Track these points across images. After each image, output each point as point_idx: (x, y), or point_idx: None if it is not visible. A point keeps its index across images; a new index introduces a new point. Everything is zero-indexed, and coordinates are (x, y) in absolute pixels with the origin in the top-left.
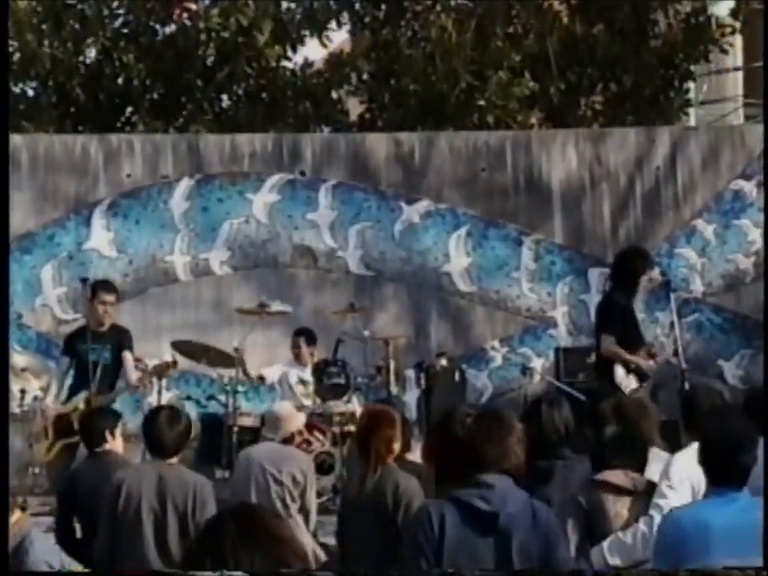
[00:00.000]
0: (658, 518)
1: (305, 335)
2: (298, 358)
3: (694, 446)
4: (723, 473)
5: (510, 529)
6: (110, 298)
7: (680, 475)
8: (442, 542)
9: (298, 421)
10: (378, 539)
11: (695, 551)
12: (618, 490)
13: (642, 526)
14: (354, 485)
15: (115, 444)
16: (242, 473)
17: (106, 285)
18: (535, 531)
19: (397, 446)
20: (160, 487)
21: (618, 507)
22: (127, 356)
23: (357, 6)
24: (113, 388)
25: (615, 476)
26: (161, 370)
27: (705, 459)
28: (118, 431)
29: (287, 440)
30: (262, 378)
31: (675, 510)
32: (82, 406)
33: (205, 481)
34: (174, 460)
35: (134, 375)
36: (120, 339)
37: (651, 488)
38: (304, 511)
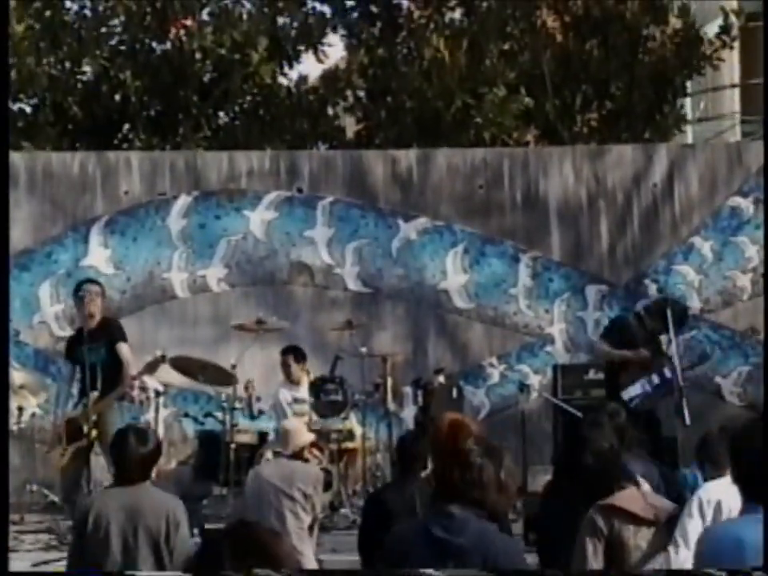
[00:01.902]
0: (682, 552)
1: (292, 353)
2: (289, 377)
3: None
4: (757, 488)
5: (461, 558)
6: (93, 287)
7: (709, 506)
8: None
9: (307, 436)
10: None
11: (730, 567)
12: (637, 520)
13: (661, 560)
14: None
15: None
16: (253, 491)
17: (87, 279)
18: (485, 565)
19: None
20: (131, 513)
21: (638, 539)
22: (122, 348)
23: (352, 22)
24: (117, 384)
25: (634, 502)
26: (152, 366)
27: (738, 475)
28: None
29: (297, 455)
30: (261, 412)
31: (711, 527)
32: (90, 408)
33: (177, 503)
34: (146, 482)
35: (131, 368)
36: (111, 333)
37: (673, 516)
38: (313, 524)
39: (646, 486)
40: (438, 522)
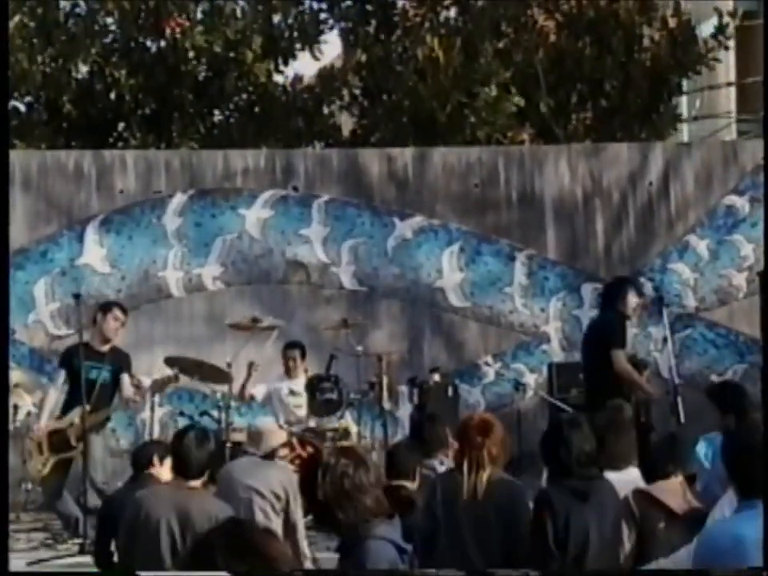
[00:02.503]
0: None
1: (299, 348)
2: (289, 371)
3: None
4: (754, 485)
5: None
6: (122, 316)
7: None
8: None
9: (280, 436)
10: (497, 540)
11: (731, 566)
12: (672, 514)
13: (683, 553)
14: (459, 490)
15: (160, 471)
16: (224, 488)
17: (120, 305)
18: None
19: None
20: (181, 515)
21: (669, 531)
22: (125, 379)
23: (347, 21)
24: (105, 406)
25: (672, 495)
26: (162, 385)
27: (735, 473)
28: (167, 462)
29: (269, 456)
30: (252, 398)
31: (709, 526)
32: (77, 421)
33: (223, 507)
34: (197, 483)
35: (128, 396)
36: (120, 362)
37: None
38: (290, 525)
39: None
40: None
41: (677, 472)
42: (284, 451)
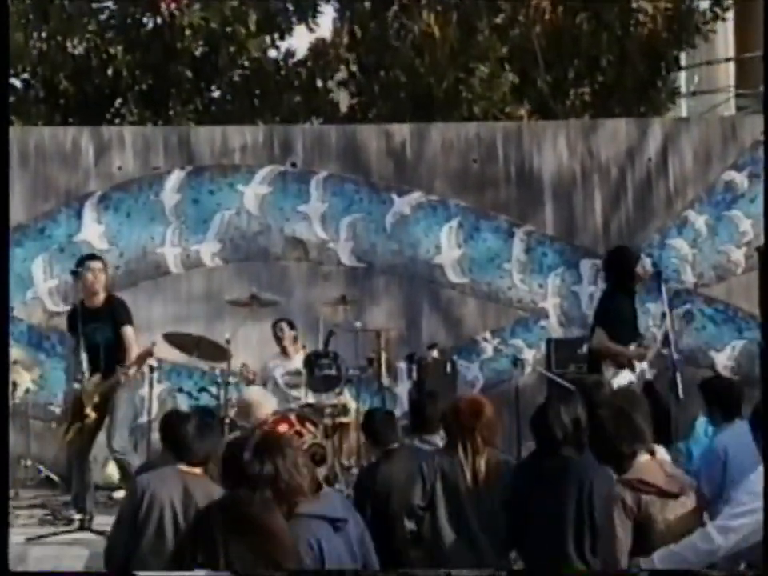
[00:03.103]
0: (719, 539)
1: (284, 321)
2: (282, 348)
3: None
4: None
5: None
6: (96, 264)
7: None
8: None
9: (269, 406)
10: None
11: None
12: (662, 493)
13: (697, 541)
14: (458, 473)
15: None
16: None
17: (90, 255)
18: None
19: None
20: (185, 499)
21: (665, 512)
22: (127, 332)
23: None
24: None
25: (656, 474)
26: (143, 357)
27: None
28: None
29: (258, 427)
30: (253, 378)
31: (717, 439)
32: (91, 388)
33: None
34: (199, 470)
35: (134, 352)
36: (118, 314)
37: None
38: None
39: (661, 455)
40: None
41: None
42: (283, 427)
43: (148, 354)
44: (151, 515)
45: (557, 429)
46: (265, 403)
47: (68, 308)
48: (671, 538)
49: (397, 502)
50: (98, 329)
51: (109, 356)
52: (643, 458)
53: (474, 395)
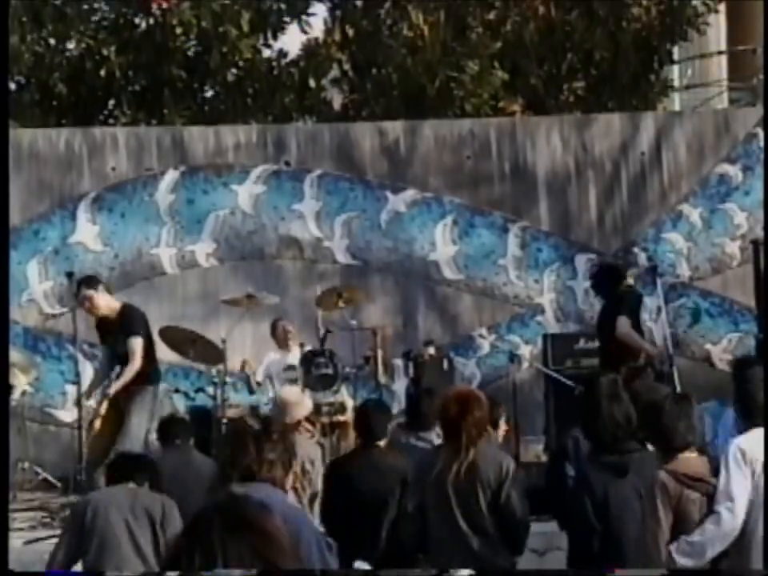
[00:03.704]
0: (726, 516)
1: (282, 319)
2: (280, 342)
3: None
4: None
5: None
6: (85, 292)
7: (745, 461)
8: None
9: (306, 407)
10: (482, 518)
11: None
12: (706, 491)
13: (709, 525)
14: (443, 470)
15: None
16: None
17: (86, 280)
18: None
19: (487, 427)
20: (132, 501)
21: (703, 505)
22: (133, 343)
23: None
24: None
25: (700, 471)
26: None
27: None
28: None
29: (293, 427)
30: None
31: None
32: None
33: (172, 502)
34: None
35: (137, 364)
36: (128, 324)
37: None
38: (314, 498)
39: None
40: None
41: (695, 443)
42: (308, 424)
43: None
44: (97, 523)
45: (613, 427)
46: (301, 403)
47: (63, 310)
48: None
49: (374, 500)
50: (117, 340)
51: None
52: (689, 454)
53: (464, 388)
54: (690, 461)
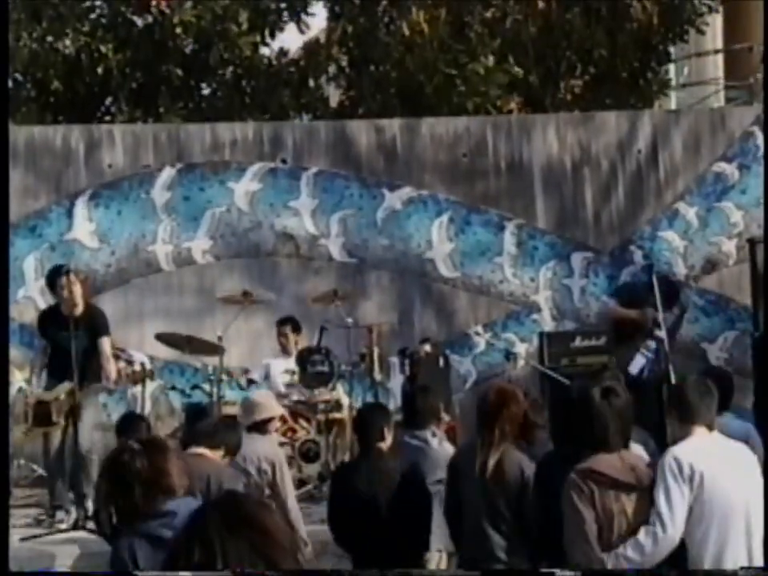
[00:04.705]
0: (659, 532)
1: (291, 323)
2: (285, 348)
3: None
4: None
5: None
6: (71, 279)
7: (687, 470)
8: None
9: (275, 409)
10: (504, 517)
11: None
12: (616, 485)
13: (643, 539)
14: (471, 463)
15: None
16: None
17: (58, 268)
18: None
19: (519, 426)
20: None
21: (622, 503)
22: (104, 344)
23: None
24: (93, 375)
25: (610, 464)
26: (136, 380)
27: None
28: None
29: (257, 427)
30: (250, 381)
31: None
32: (63, 396)
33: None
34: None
35: (111, 367)
36: (95, 324)
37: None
38: (278, 501)
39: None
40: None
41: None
42: (276, 424)
43: (143, 377)
44: None
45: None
46: (268, 405)
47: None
48: (628, 530)
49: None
50: (75, 337)
51: (84, 366)
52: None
53: (505, 384)
54: (601, 456)
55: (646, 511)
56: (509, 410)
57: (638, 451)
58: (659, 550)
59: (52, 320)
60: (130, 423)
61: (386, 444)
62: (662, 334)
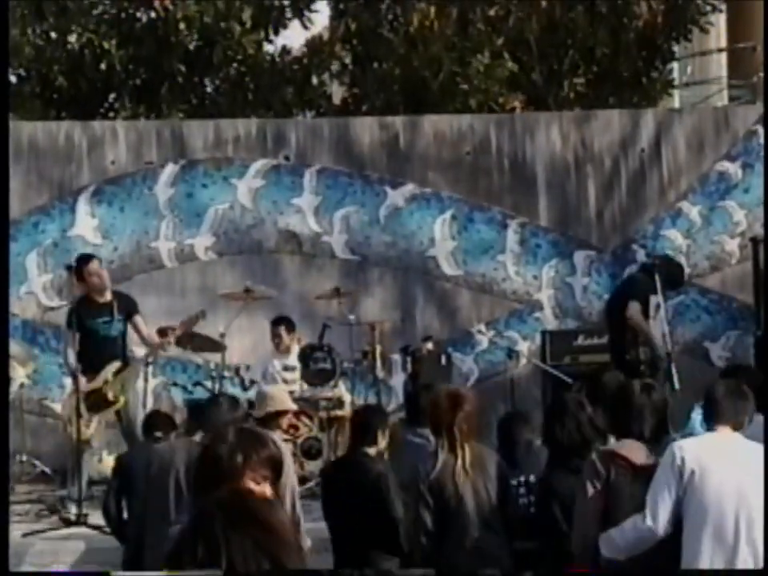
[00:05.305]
0: (638, 522)
1: (283, 323)
2: (279, 348)
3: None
4: None
5: None
6: (95, 265)
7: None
8: None
9: (288, 403)
10: (489, 510)
11: None
12: (636, 470)
13: (628, 526)
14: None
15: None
16: None
17: (86, 257)
18: None
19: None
20: (189, 466)
21: (635, 488)
22: (138, 320)
23: None
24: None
25: (636, 452)
26: (190, 323)
27: None
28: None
29: (265, 421)
30: (253, 382)
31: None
32: (110, 378)
33: None
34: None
35: (153, 337)
36: (127, 307)
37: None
38: (281, 495)
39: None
40: None
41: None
42: (288, 420)
43: (196, 319)
44: (158, 482)
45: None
46: (278, 398)
47: (62, 303)
48: (635, 512)
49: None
50: (109, 323)
51: (124, 346)
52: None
53: (455, 388)
54: (626, 443)
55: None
56: (463, 410)
57: None
58: (639, 538)
59: (84, 310)
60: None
61: (377, 448)
62: (664, 326)
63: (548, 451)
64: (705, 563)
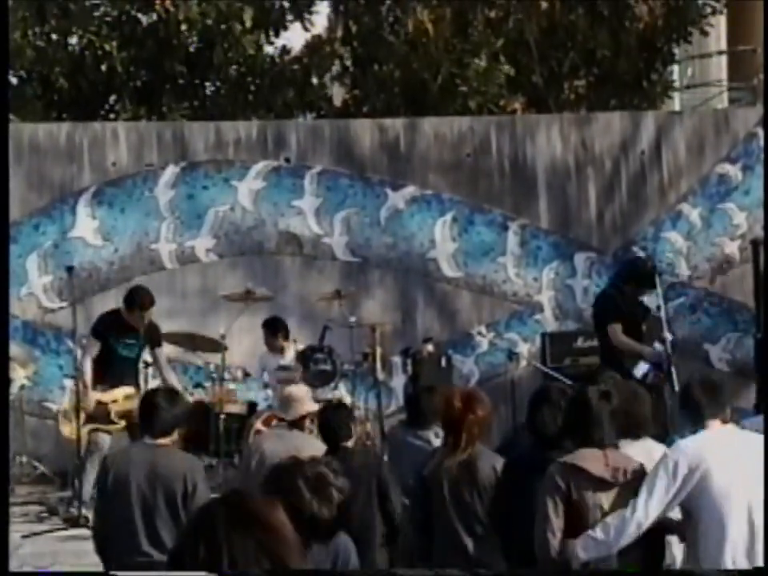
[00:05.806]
0: (627, 516)
1: (272, 326)
2: (272, 348)
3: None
4: None
5: None
6: (151, 312)
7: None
8: None
9: (312, 405)
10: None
11: None
12: (593, 480)
13: (611, 519)
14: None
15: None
16: (256, 465)
17: (150, 298)
18: None
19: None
20: (150, 472)
21: (598, 498)
22: (160, 353)
23: None
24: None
25: (593, 461)
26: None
27: None
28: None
29: (296, 423)
30: (247, 374)
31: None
32: (121, 399)
33: (196, 463)
34: (166, 441)
35: (171, 375)
36: (153, 337)
37: (637, 477)
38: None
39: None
40: None
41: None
42: (308, 422)
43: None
44: (118, 493)
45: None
46: (305, 400)
47: (63, 304)
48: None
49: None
50: (129, 345)
51: (137, 372)
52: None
53: (470, 389)
54: (583, 452)
55: (622, 506)
56: (475, 413)
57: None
58: (624, 530)
59: (115, 326)
60: None
61: (351, 442)
62: (667, 335)
63: (530, 439)
64: (728, 556)
